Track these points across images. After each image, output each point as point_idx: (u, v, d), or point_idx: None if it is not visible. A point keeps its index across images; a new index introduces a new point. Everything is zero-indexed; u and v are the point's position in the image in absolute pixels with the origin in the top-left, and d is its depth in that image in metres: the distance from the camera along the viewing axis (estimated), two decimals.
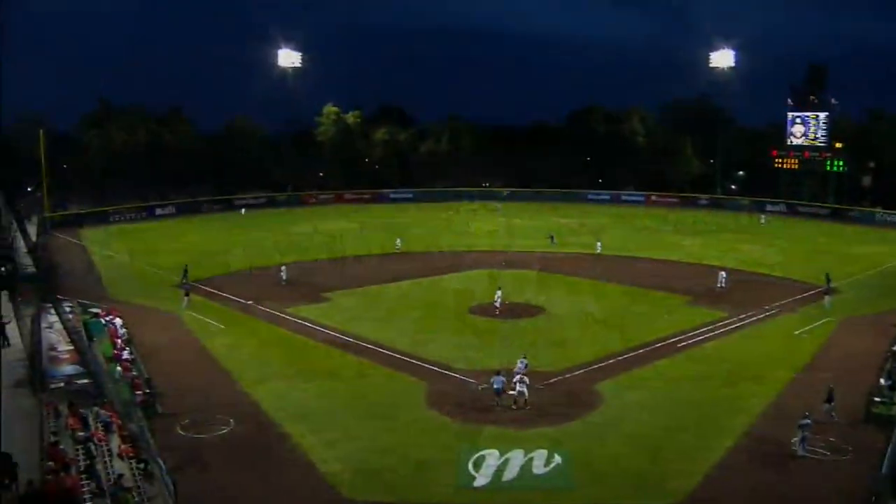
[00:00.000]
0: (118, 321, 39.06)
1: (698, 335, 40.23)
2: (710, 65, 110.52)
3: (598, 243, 68.56)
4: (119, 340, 36.08)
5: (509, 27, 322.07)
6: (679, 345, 38.54)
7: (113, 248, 72.47)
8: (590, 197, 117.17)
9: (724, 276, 52.25)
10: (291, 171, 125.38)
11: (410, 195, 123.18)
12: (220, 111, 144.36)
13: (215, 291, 50.96)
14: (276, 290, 51.44)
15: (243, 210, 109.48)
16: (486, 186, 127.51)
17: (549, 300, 47.72)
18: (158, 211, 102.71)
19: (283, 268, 54.61)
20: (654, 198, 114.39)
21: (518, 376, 30.00)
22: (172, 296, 49.75)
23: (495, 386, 29.81)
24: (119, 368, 31.67)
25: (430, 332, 40.63)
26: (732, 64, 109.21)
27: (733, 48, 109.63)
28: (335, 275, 56.91)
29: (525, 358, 32.57)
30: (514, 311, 44.60)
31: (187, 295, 47.14)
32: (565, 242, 73.53)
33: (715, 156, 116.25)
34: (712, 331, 41.19)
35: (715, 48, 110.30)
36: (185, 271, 53.95)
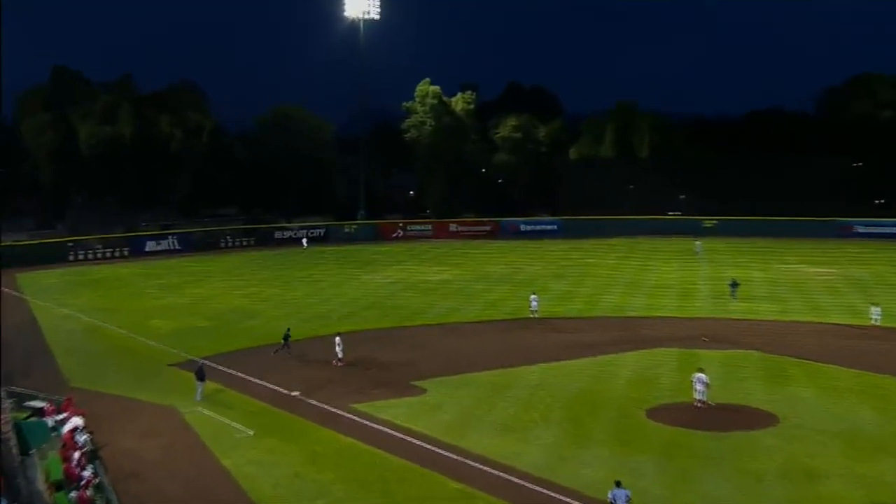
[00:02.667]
0: (77, 421, 39.13)
1: None
2: None
3: (875, 308, 65.86)
4: (77, 453, 35.69)
5: None
6: None
7: (74, 302, 75.32)
8: (859, 230, 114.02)
9: None
10: (364, 187, 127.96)
11: (553, 226, 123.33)
12: (258, 94, 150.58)
13: (241, 375, 51.58)
14: (334, 373, 51.84)
15: (304, 242, 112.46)
16: (676, 214, 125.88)
17: (784, 401, 45.71)
18: (151, 245, 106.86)
19: (337, 339, 55.06)
20: None
21: None
22: (172, 381, 50.57)
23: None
24: (73, 497, 31.43)
25: (583, 446, 39.53)
26: None
27: None
28: (430, 352, 56.97)
29: None
30: (724, 416, 43.05)
31: (201, 379, 47.65)
32: (820, 306, 71.49)
33: None
34: None
35: None
36: (286, 337, 56.08)
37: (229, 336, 61.77)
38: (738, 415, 43.72)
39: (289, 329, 57.36)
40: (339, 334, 56.07)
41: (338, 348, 54.19)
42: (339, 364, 53.44)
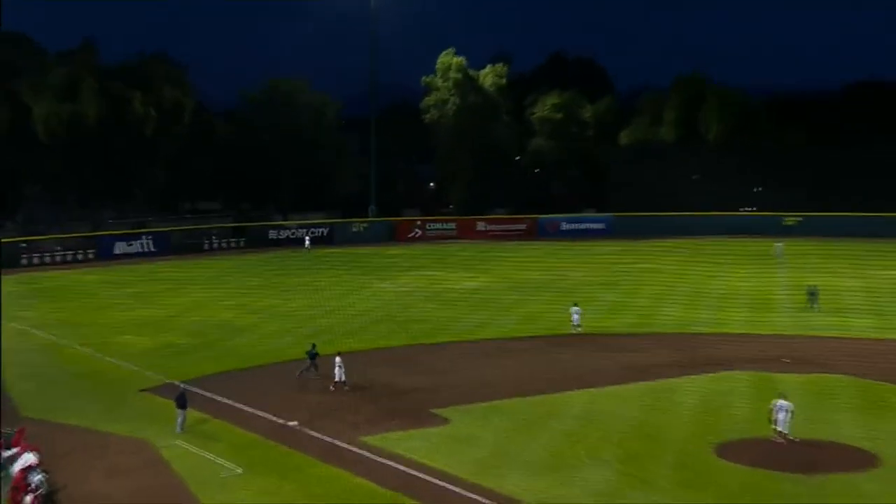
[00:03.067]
0: (29, 458, 38.58)
1: None
2: None
3: None
4: (29, 497, 35.78)
5: None
6: None
7: (26, 315, 75.56)
8: None
9: None
10: (376, 178, 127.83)
11: (601, 225, 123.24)
12: (248, 68, 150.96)
13: (228, 402, 51.57)
14: (339, 400, 51.76)
15: (307, 243, 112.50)
16: (750, 211, 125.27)
17: (886, 437, 45.12)
18: (120, 246, 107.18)
19: (337, 360, 54.95)
20: None
21: None
22: (146, 409, 50.59)
23: None
24: None
25: (638, 489, 39.10)
26: None
27: None
28: (454, 375, 56.94)
29: None
30: (811, 455, 42.50)
31: (182, 407, 47.51)
32: None
33: None
34: None
35: None
36: (314, 355, 55.90)
37: (215, 355, 61.76)
38: (828, 453, 43.20)
39: (314, 345, 57.07)
40: (339, 354, 55.84)
41: (337, 370, 53.96)
42: (345, 388, 53.37)
